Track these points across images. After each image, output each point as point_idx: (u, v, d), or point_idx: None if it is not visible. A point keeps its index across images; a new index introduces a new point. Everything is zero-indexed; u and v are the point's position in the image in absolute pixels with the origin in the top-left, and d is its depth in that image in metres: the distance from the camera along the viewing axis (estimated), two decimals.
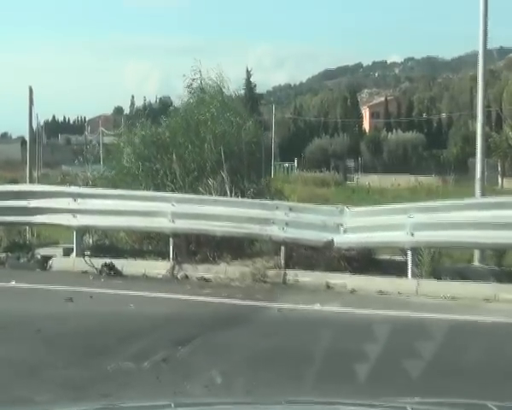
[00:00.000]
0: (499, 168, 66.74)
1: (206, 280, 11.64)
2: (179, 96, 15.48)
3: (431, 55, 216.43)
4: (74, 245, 13.14)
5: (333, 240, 11.32)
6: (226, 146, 13.49)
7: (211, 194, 12.77)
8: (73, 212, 13.08)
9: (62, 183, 15.22)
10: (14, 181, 42.82)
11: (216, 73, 14.39)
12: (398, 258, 11.66)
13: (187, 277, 11.90)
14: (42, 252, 13.47)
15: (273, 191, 14.21)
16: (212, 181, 12.63)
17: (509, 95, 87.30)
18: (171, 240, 12.43)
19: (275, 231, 11.68)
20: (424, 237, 10.77)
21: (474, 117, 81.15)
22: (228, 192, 12.56)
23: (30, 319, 8.78)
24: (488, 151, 68.77)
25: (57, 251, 13.58)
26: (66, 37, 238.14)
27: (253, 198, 12.70)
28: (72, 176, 15.32)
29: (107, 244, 13.76)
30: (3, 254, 13.40)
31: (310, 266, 11.44)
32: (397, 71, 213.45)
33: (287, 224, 11.62)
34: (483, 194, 12.09)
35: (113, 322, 8.65)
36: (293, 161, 68.18)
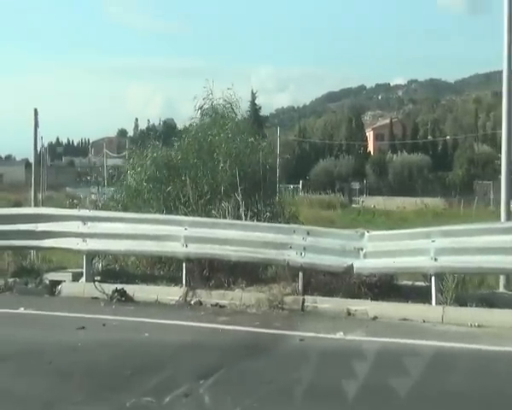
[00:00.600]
0: None
1: (221, 307, 11.25)
2: (190, 117, 15.15)
3: (434, 78, 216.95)
4: (84, 270, 12.77)
5: (353, 265, 10.93)
6: (240, 168, 13.14)
7: (225, 217, 12.40)
8: (83, 236, 12.72)
9: (71, 206, 14.86)
10: (19, 203, 42.61)
11: (228, 93, 14.08)
12: (420, 283, 11.27)
13: (201, 303, 11.51)
14: (50, 277, 13.09)
15: (287, 215, 13.83)
16: (226, 204, 12.25)
17: None
18: (183, 265, 12.04)
19: (292, 256, 11.30)
20: (448, 262, 10.37)
21: (479, 139, 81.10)
22: (242, 215, 12.19)
23: (41, 349, 8.40)
24: (495, 172, 68.52)
25: (66, 276, 13.19)
26: (67, 60, 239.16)
27: (268, 222, 12.31)
28: (79, 198, 14.92)
29: (117, 269, 13.39)
30: (11, 280, 13.03)
31: (329, 292, 11.04)
32: (400, 93, 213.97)
33: (305, 248, 11.24)
34: (508, 218, 11.68)
35: (128, 352, 8.26)
36: (298, 183, 67.90)
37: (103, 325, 9.85)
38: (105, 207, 14.15)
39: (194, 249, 11.95)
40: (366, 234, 11.10)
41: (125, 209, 13.75)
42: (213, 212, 12.45)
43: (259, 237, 11.58)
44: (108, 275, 13.01)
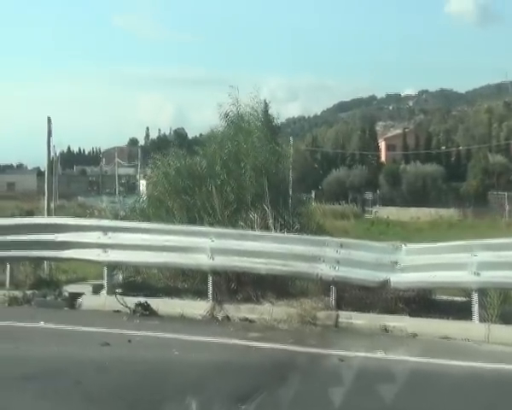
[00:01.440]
0: None
1: (250, 322, 10.75)
2: (212, 125, 14.70)
3: (445, 88, 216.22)
4: (105, 282, 12.31)
5: (389, 280, 10.43)
6: (267, 177, 12.66)
7: (252, 228, 11.91)
8: (104, 247, 12.26)
9: (91, 216, 14.41)
10: (31, 212, 42.24)
11: (254, 101, 13.61)
12: (459, 299, 10.75)
13: (228, 318, 11.02)
14: (69, 289, 12.64)
15: (314, 226, 13.33)
16: (255, 215, 11.76)
17: None
18: (209, 278, 11.55)
19: (325, 270, 10.80)
20: (491, 277, 9.85)
21: (493, 149, 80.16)
22: (271, 227, 11.70)
23: (65, 368, 7.93)
24: (510, 184, 67.49)
25: (86, 288, 12.75)
26: (79, 69, 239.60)
27: (297, 233, 11.82)
28: (97, 208, 14.45)
29: (138, 281, 12.90)
30: (29, 292, 12.56)
31: (363, 307, 10.53)
32: (411, 103, 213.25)
33: (338, 262, 10.74)
34: None
35: (158, 372, 7.76)
36: (311, 193, 67.32)
37: (129, 342, 9.34)
38: (126, 218, 13.67)
39: (222, 262, 11.47)
40: (403, 247, 10.59)
41: (147, 219, 13.28)
42: (241, 223, 11.95)
43: (290, 250, 11.09)
44: (130, 287, 12.54)
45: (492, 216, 60.18)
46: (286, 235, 11.61)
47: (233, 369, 7.97)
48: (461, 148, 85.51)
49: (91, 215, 14.71)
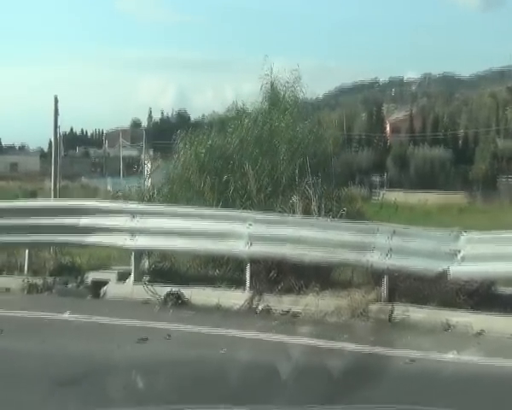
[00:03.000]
0: None
1: (294, 314, 9.87)
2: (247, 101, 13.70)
3: (448, 72, 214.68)
4: (132, 269, 11.42)
5: (448, 270, 9.53)
6: (304, 158, 11.75)
7: (292, 213, 11.01)
8: (131, 232, 11.35)
9: (114, 198, 13.50)
10: (35, 193, 41.44)
11: (292, 75, 12.65)
12: None
13: (269, 309, 10.14)
14: (92, 276, 11.76)
15: (354, 211, 12.43)
16: (297, 198, 10.84)
17: None
18: (247, 266, 10.66)
19: (376, 259, 9.90)
20: None
21: (501, 134, 79.25)
22: (315, 212, 10.79)
23: (105, 368, 7.09)
24: None
25: (110, 276, 11.85)
26: (80, 52, 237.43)
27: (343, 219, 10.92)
28: (124, 191, 13.49)
29: (166, 268, 12.02)
30: (50, 279, 11.67)
31: (419, 300, 9.64)
32: (414, 87, 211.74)
33: (390, 250, 9.84)
34: None
35: (211, 374, 6.88)
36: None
37: (168, 337, 8.49)
38: (151, 201, 12.74)
39: (260, 249, 10.58)
40: (463, 235, 9.70)
41: (174, 202, 12.38)
42: (281, 207, 11.04)
43: (337, 237, 10.20)
44: (157, 275, 11.65)
45: (501, 201, 59.40)
46: (332, 221, 10.70)
47: (294, 371, 7.07)
48: (469, 131, 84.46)
49: (114, 197, 13.71)
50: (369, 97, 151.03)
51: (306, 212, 11.04)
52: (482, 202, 60.84)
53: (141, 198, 12.49)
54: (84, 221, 11.62)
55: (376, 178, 70.23)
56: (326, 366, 7.33)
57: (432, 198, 59.90)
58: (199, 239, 10.99)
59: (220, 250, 11.02)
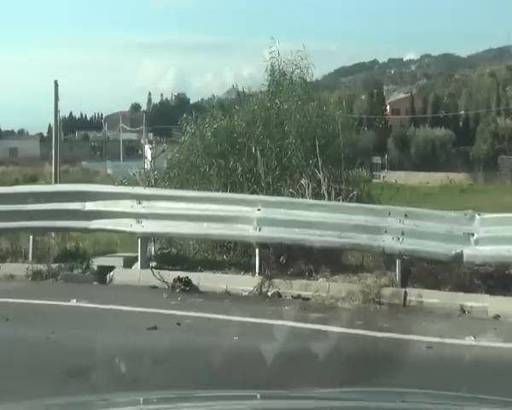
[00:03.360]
0: None
1: (304, 299, 9.69)
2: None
3: (447, 52, 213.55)
4: (139, 255, 11.22)
5: (462, 253, 9.33)
6: (313, 141, 11.52)
7: (303, 196, 10.80)
8: (138, 216, 11.15)
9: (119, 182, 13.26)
10: (35, 178, 41.15)
11: (298, 56, 12.36)
12: None
13: (279, 294, 9.96)
14: (98, 262, 11.55)
15: (364, 194, 12.20)
16: (307, 181, 10.62)
17: None
18: (256, 251, 10.47)
19: (388, 242, 9.70)
20: None
21: (502, 113, 78.79)
22: (325, 195, 10.58)
23: (115, 358, 6.88)
24: None
25: (116, 261, 11.64)
26: (79, 35, 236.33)
27: (354, 202, 10.71)
28: (128, 177, 13.23)
29: (173, 253, 11.83)
30: (55, 265, 11.47)
31: (433, 284, 9.45)
32: (413, 68, 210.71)
33: (403, 233, 9.65)
34: None
35: (227, 364, 6.67)
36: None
37: (178, 325, 8.29)
38: (156, 185, 12.51)
39: (270, 233, 10.38)
40: (477, 217, 9.49)
41: (180, 186, 12.17)
42: (290, 190, 10.82)
43: (348, 220, 9.99)
44: (164, 260, 11.49)
45: (502, 180, 59.22)
46: (343, 204, 10.51)
47: (309, 359, 6.90)
48: (470, 112, 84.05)
49: (119, 182, 13.46)
50: (369, 79, 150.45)
51: (316, 195, 10.84)
52: (483, 181, 60.71)
53: (146, 183, 12.24)
54: (89, 206, 11.41)
55: (377, 160, 69.88)
56: (343, 352, 7.17)
57: (433, 179, 59.68)
58: (207, 223, 10.79)
59: (228, 235, 10.83)
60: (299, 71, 12.40)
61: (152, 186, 12.16)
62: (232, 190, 11.55)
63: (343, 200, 10.63)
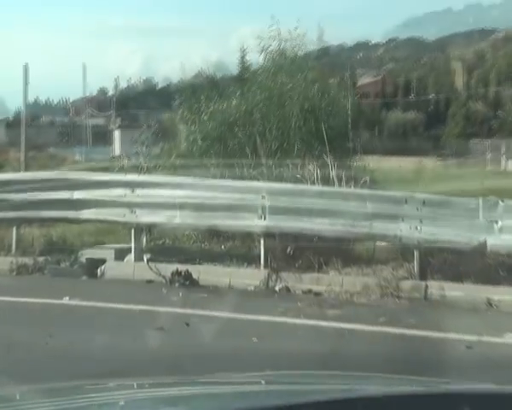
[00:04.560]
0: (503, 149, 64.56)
1: (316, 294, 9.04)
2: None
3: (414, 36, 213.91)
4: (132, 246, 10.49)
5: (485, 242, 8.75)
6: (317, 124, 10.86)
7: (309, 183, 10.14)
8: (131, 206, 10.41)
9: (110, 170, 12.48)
10: (1, 165, 39.79)
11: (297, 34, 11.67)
12: None
13: (288, 289, 9.31)
14: (87, 254, 10.80)
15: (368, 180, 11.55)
16: (314, 165, 9.95)
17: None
18: (261, 242, 9.79)
19: (405, 231, 9.09)
20: None
21: (472, 97, 78.56)
22: (335, 181, 9.92)
23: (125, 368, 6.12)
24: (491, 131, 66.99)
25: (106, 253, 10.89)
26: (44, 17, 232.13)
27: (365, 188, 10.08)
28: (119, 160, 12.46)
29: (168, 245, 11.12)
30: (41, 259, 10.68)
31: (455, 276, 8.85)
32: (380, 51, 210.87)
33: (421, 221, 9.04)
34: None
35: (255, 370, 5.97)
36: None
37: (187, 325, 7.57)
38: (148, 172, 11.76)
39: (276, 222, 9.71)
40: (500, 203, 8.91)
41: (174, 173, 11.45)
42: (297, 175, 10.14)
43: (360, 208, 9.36)
44: (159, 252, 10.77)
45: (475, 164, 59.15)
46: (355, 190, 9.87)
47: (349, 362, 6.21)
48: (440, 95, 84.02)
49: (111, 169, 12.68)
50: (337, 62, 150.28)
51: (324, 181, 10.18)
52: (456, 165, 60.64)
53: (138, 170, 11.49)
54: (78, 195, 10.63)
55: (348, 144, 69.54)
56: (373, 352, 6.51)
57: (405, 163, 59.40)
58: (207, 213, 10.08)
59: (230, 225, 10.13)
60: (298, 50, 11.70)
61: (144, 173, 11.42)
62: (232, 178, 10.83)
63: (354, 187, 9.97)
